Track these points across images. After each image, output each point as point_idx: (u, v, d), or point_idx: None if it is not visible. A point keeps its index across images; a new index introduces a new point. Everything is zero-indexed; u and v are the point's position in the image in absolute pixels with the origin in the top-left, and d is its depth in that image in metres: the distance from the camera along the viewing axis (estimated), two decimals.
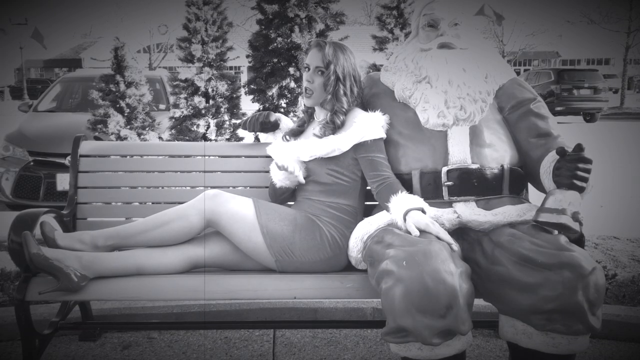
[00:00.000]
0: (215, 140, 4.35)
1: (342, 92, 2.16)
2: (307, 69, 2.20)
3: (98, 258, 2.02)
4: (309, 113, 2.33)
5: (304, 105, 2.29)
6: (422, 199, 1.97)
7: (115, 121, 4.27)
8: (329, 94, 2.16)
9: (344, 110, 2.16)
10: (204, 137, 4.35)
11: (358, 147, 2.12)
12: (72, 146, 2.52)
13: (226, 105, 4.41)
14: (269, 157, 2.39)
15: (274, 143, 2.37)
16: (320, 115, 2.26)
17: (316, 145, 2.15)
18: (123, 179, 2.54)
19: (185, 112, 4.37)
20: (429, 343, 1.66)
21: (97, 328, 2.66)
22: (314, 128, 2.25)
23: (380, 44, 5.22)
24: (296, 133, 2.33)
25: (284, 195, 2.31)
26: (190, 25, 4.34)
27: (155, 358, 2.52)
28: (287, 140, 2.32)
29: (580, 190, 1.81)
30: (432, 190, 2.05)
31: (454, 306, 1.64)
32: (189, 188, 2.52)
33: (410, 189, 2.07)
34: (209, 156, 2.55)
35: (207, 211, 2.07)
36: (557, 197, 1.81)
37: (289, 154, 2.20)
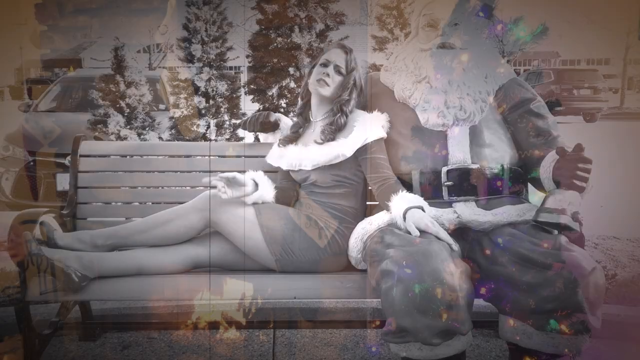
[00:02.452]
0: (215, 140, 4.35)
1: (353, 97, 2.18)
2: (324, 65, 2.20)
3: (99, 258, 2.01)
4: (304, 117, 2.30)
5: (298, 107, 2.31)
6: (421, 198, 1.97)
7: (115, 121, 4.27)
8: (341, 95, 2.17)
9: (348, 112, 2.17)
10: (204, 137, 4.35)
11: (360, 149, 2.11)
12: (72, 146, 2.52)
13: (226, 105, 4.41)
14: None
15: (271, 152, 2.34)
16: (318, 115, 2.24)
17: (319, 153, 2.13)
18: (123, 179, 2.54)
19: (185, 112, 4.37)
20: (428, 343, 1.66)
21: (97, 328, 2.66)
22: (313, 131, 2.23)
23: (380, 44, 5.24)
24: (292, 139, 2.28)
25: (288, 199, 2.30)
26: (190, 25, 4.34)
27: (155, 358, 2.51)
28: (284, 147, 2.27)
29: (580, 190, 1.81)
30: (432, 190, 2.05)
31: (454, 306, 1.64)
32: (189, 188, 2.52)
33: (410, 189, 2.07)
34: (208, 156, 2.55)
35: (206, 211, 2.07)
36: (557, 197, 1.81)
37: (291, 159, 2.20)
